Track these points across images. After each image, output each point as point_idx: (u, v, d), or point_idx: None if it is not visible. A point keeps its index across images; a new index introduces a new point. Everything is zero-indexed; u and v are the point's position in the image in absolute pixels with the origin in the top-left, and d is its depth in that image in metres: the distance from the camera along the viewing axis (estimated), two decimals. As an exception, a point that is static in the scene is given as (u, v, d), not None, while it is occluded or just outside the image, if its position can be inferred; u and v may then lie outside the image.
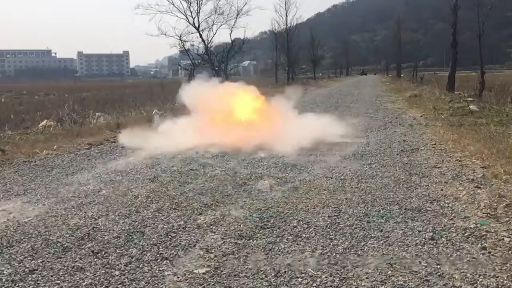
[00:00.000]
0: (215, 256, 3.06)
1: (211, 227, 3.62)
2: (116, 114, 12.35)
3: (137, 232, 3.54)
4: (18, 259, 3.05)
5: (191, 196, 4.50)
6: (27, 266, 2.95)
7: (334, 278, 2.71)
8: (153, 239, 3.38)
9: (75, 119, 11.01)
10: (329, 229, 3.52)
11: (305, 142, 7.14)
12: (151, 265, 2.94)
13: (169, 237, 3.42)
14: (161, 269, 2.89)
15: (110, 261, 3.00)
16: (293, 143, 6.96)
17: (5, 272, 2.87)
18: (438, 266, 2.83)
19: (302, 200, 4.28)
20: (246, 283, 2.68)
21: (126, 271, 2.86)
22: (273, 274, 2.78)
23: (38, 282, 2.74)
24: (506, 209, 3.85)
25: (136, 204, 4.27)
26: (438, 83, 22.45)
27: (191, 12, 23.89)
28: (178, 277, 2.77)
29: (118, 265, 2.95)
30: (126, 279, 2.75)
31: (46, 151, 7.08)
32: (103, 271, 2.86)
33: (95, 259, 3.04)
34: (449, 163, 5.75)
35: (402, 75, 49.24)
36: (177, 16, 24.05)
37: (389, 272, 2.77)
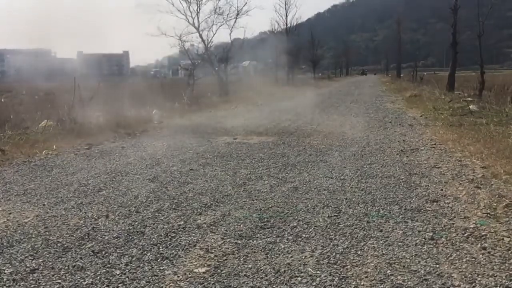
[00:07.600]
0: (215, 256, 3.07)
1: (211, 227, 3.63)
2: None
3: (137, 232, 3.55)
4: (19, 259, 3.06)
5: (191, 196, 4.51)
6: (28, 265, 2.96)
7: (334, 277, 2.72)
8: (153, 239, 3.39)
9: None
10: (329, 229, 3.53)
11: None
12: (152, 265, 2.94)
13: (169, 237, 3.43)
14: (161, 268, 2.89)
15: (110, 261, 3.01)
16: None
17: (6, 271, 2.88)
18: (438, 266, 2.83)
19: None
20: (246, 282, 2.68)
21: (127, 270, 2.87)
22: (273, 273, 2.78)
23: (39, 281, 2.75)
24: (506, 209, 3.86)
25: (136, 204, 4.28)
26: (438, 83, 22.47)
27: (190, 12, 23.82)
28: (179, 276, 2.78)
29: (118, 264, 2.95)
30: (126, 278, 2.76)
31: (46, 151, 7.09)
32: (104, 271, 2.86)
33: (96, 259, 3.04)
34: (449, 163, 5.76)
35: (402, 75, 49.28)
36: (177, 16, 24.00)
37: (388, 271, 2.78)
